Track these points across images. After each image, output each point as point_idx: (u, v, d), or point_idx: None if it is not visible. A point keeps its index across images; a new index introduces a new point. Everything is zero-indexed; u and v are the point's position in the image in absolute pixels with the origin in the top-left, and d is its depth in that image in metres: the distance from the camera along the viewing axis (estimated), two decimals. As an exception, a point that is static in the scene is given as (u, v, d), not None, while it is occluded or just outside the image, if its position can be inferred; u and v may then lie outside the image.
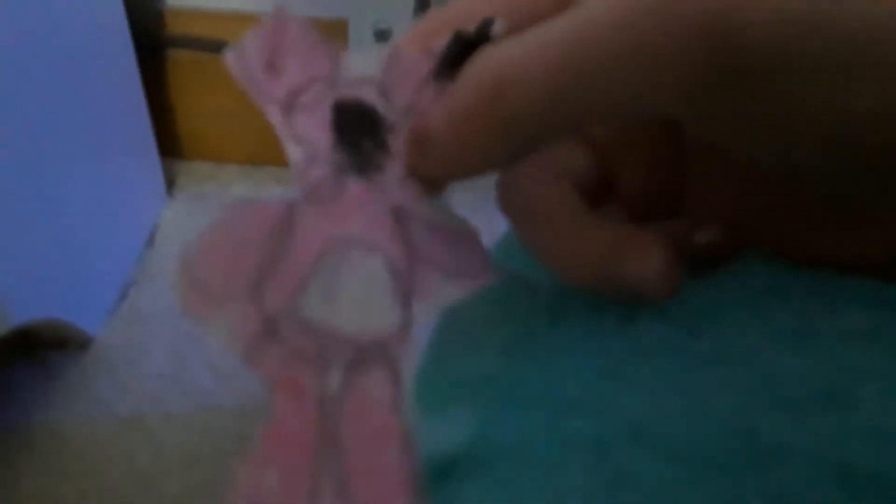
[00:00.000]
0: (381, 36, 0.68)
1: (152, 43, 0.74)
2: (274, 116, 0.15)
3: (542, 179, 0.16)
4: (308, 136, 0.15)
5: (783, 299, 0.15)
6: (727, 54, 0.11)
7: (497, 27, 0.15)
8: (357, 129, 0.15)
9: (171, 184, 0.78)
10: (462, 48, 0.15)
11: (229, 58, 0.15)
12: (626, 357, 0.15)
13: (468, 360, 0.19)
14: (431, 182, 0.15)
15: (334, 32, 0.73)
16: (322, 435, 0.13)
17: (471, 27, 0.15)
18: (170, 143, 0.79)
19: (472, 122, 0.13)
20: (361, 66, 0.15)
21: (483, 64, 0.13)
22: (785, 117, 0.12)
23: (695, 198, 0.16)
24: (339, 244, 0.14)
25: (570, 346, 0.16)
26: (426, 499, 0.13)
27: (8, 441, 0.56)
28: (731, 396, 0.13)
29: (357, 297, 0.14)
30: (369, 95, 0.15)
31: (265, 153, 0.81)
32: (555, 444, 0.15)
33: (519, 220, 0.16)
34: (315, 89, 0.15)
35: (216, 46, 0.74)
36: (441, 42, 0.15)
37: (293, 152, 0.15)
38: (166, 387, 0.59)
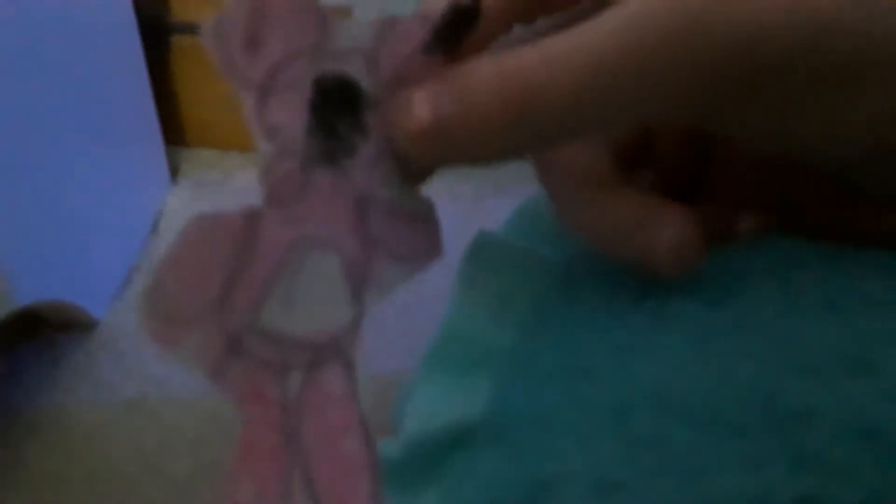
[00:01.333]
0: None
1: (157, 29, 0.73)
2: (247, 106, 0.14)
3: (577, 144, 0.16)
4: (281, 123, 0.14)
5: (804, 270, 0.15)
6: (749, 72, 0.12)
7: None
8: (336, 108, 0.14)
9: (174, 171, 0.78)
10: (459, 19, 0.14)
11: (206, 32, 0.14)
12: (645, 329, 0.15)
13: (483, 334, 0.19)
14: (428, 167, 0.15)
15: (339, 20, 0.73)
16: (288, 439, 0.13)
17: None
18: (173, 131, 0.79)
19: (493, 125, 0.13)
20: (352, 36, 0.15)
21: (505, 66, 0.13)
22: (795, 122, 0.13)
23: (724, 173, 0.17)
24: (299, 248, 0.14)
25: (588, 321, 0.17)
26: (386, 486, 0.13)
27: (14, 423, 0.56)
28: (753, 363, 0.14)
29: (313, 299, 0.14)
30: (355, 68, 0.15)
31: (269, 140, 0.80)
32: (574, 412, 0.15)
33: (552, 185, 0.17)
34: (296, 66, 0.14)
35: (221, 32, 0.73)
36: (437, 9, 0.15)
37: (263, 148, 0.14)
38: (172, 371, 0.59)
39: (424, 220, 0.15)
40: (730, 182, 0.17)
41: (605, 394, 0.15)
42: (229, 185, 0.77)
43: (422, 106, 0.14)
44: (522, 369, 0.17)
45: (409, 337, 0.59)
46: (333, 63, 0.14)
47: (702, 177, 0.17)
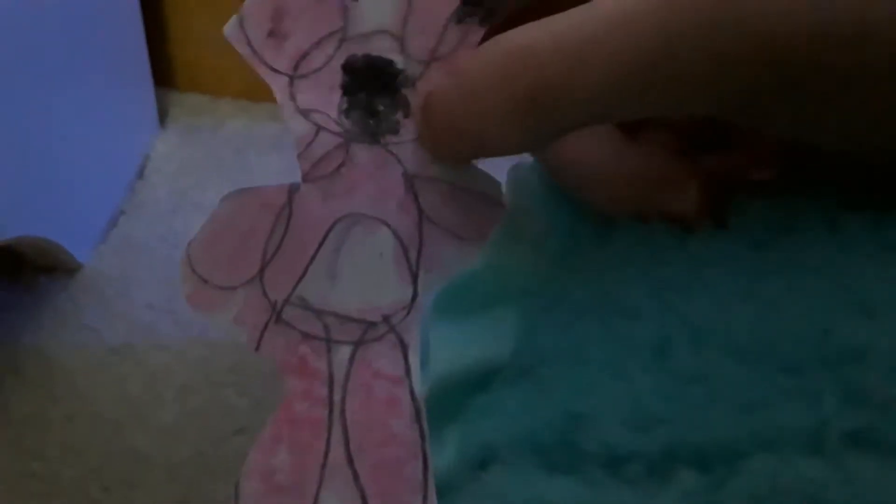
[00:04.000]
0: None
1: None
2: (278, 91, 0.14)
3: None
4: (315, 106, 0.14)
5: (853, 213, 0.15)
6: (779, 71, 0.11)
7: None
8: (370, 88, 0.14)
9: (163, 115, 0.76)
10: None
11: (229, 30, 0.14)
12: (687, 269, 0.15)
13: (511, 269, 0.18)
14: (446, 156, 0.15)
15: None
16: (331, 412, 0.14)
17: None
18: (164, 72, 0.77)
19: (497, 120, 0.12)
20: (376, 16, 0.14)
21: (511, 46, 0.12)
22: (823, 118, 0.12)
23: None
24: (341, 223, 0.14)
25: (624, 260, 0.16)
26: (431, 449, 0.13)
27: (-6, 362, 0.55)
28: (804, 300, 0.13)
29: (362, 275, 0.14)
30: (384, 47, 0.14)
31: (263, 88, 0.78)
32: (610, 347, 0.15)
33: (552, 157, 0.16)
34: (323, 51, 0.14)
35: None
36: None
37: (297, 127, 0.14)
38: (158, 317, 0.58)
39: (486, 197, 0.15)
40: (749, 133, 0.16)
41: (645, 329, 0.15)
42: (220, 133, 0.75)
43: (430, 99, 0.13)
44: (554, 305, 0.16)
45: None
46: (360, 45, 0.14)
47: (720, 135, 0.17)
